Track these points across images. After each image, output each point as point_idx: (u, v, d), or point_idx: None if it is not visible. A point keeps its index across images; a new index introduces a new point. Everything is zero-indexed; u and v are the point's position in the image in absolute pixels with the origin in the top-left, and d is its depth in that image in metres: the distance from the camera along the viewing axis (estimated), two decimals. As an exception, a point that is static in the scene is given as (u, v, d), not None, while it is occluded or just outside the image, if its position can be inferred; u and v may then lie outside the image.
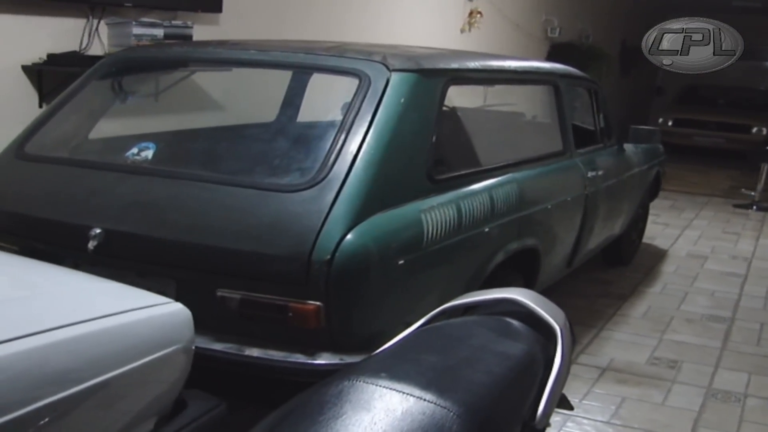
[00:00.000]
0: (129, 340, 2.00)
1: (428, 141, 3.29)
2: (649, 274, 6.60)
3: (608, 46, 14.02)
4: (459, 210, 3.30)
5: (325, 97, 4.08)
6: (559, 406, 1.89)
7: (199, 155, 3.73)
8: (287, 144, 3.57)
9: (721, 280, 6.57)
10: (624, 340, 4.97)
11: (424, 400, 1.46)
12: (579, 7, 13.49)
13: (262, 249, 2.82)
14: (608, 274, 6.39)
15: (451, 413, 1.44)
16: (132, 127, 4.00)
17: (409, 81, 3.24)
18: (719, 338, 5.13)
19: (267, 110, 4.58)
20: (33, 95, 4.30)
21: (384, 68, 3.22)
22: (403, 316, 2.88)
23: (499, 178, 3.75)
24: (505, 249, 3.68)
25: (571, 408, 2.15)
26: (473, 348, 1.79)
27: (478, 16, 9.32)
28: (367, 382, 1.51)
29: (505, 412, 1.64)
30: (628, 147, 6.03)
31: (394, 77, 3.20)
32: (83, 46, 4.52)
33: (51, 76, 4.30)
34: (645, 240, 7.27)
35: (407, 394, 1.47)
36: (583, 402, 4.02)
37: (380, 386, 1.49)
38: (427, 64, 3.44)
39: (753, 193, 10.13)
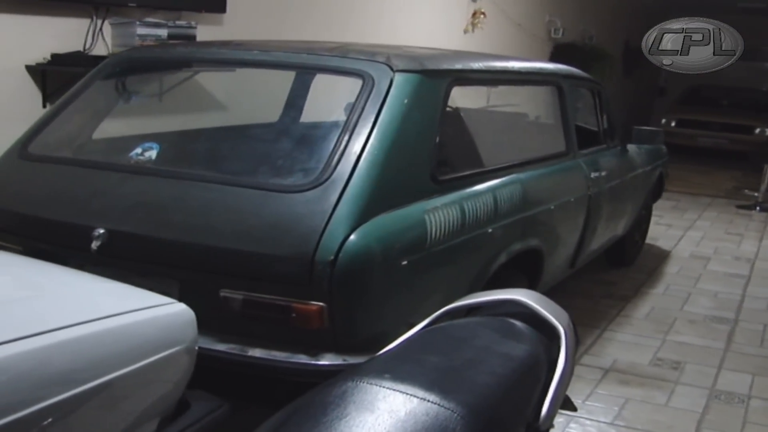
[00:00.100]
0: (132, 341, 2.00)
1: (432, 142, 3.29)
2: (652, 275, 6.59)
3: (611, 46, 14.01)
4: (462, 211, 3.30)
5: (329, 98, 4.08)
6: (562, 408, 1.89)
7: (203, 155, 3.73)
8: (290, 144, 3.57)
9: (724, 281, 6.56)
10: (627, 341, 4.96)
11: (428, 401, 1.46)
12: (582, 8, 13.48)
13: (266, 249, 2.82)
14: (611, 275, 6.39)
15: (455, 414, 1.44)
16: (136, 128, 4.00)
17: (412, 82, 3.24)
18: (722, 339, 5.13)
19: (270, 111, 4.58)
20: (37, 95, 4.30)
21: (388, 69, 3.22)
22: (406, 316, 2.88)
23: (503, 179, 3.75)
24: (509, 250, 3.68)
25: (574, 409, 2.15)
26: (477, 349, 1.78)
27: (482, 16, 9.32)
28: (370, 383, 1.51)
29: (509, 413, 1.64)
30: (631, 148, 6.02)
31: (398, 78, 3.20)
32: (87, 46, 4.52)
33: (55, 76, 4.30)
34: (648, 241, 7.26)
35: (411, 395, 1.47)
36: (586, 403, 4.02)
37: (384, 387, 1.49)
38: (431, 65, 3.44)
39: (756, 194, 10.12)
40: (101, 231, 3.00)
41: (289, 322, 2.81)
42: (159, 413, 2.10)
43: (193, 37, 4.89)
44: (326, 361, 2.81)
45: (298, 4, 6.33)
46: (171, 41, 4.72)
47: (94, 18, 4.54)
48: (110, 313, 2.01)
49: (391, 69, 3.22)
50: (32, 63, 4.27)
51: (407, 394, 1.47)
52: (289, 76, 4.45)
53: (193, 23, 4.94)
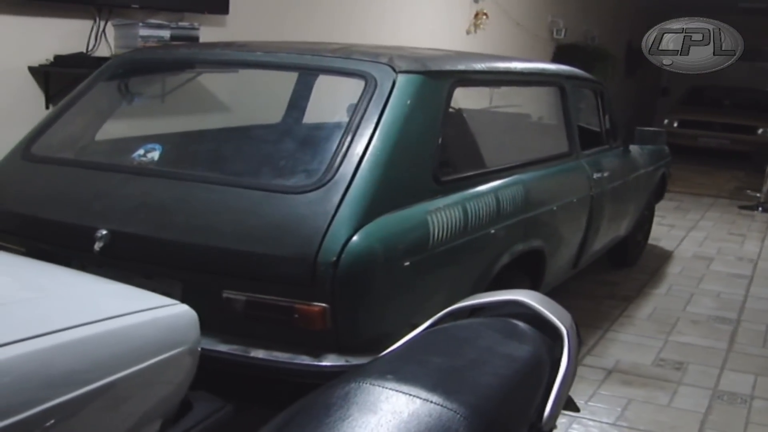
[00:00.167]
0: (135, 342, 2.00)
1: (434, 142, 3.29)
2: (654, 275, 6.59)
3: (614, 47, 14.00)
4: (465, 211, 3.30)
5: (332, 99, 4.08)
6: (565, 408, 1.89)
7: (206, 156, 3.73)
8: (293, 145, 3.57)
9: (727, 281, 6.56)
10: (630, 342, 4.96)
11: (431, 402, 1.46)
12: (584, 9, 13.48)
13: (268, 250, 2.82)
14: (614, 276, 6.38)
15: (458, 415, 1.44)
16: (138, 129, 4.00)
17: (415, 83, 3.24)
18: (725, 340, 5.12)
19: (273, 112, 4.58)
20: (40, 96, 4.30)
21: (390, 70, 3.22)
22: (409, 317, 2.88)
23: (505, 180, 3.75)
24: (511, 250, 3.68)
25: (577, 410, 2.14)
26: (480, 350, 1.78)
27: (484, 17, 9.32)
28: (373, 384, 1.51)
29: (512, 413, 1.63)
30: (634, 148, 6.03)
31: (401, 79, 3.20)
32: (90, 47, 4.52)
33: (58, 78, 4.31)
34: (650, 241, 7.26)
35: (414, 396, 1.47)
36: (589, 403, 4.02)
37: (387, 388, 1.49)
38: (434, 66, 3.44)
39: (758, 195, 10.12)
40: (104, 232, 3.00)
41: (291, 323, 2.81)
42: (162, 414, 2.10)
43: (196, 39, 4.90)
44: (329, 362, 2.81)
45: (300, 6, 6.33)
46: (174, 42, 4.72)
47: (97, 19, 4.55)
48: (113, 315, 2.01)
49: (394, 70, 3.22)
50: (35, 64, 4.28)
51: (410, 395, 1.47)
52: (291, 77, 4.45)
53: (195, 24, 4.94)
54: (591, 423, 3.82)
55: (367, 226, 2.84)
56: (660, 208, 7.62)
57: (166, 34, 4.70)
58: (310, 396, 1.54)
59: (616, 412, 3.95)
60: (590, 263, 5.36)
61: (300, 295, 2.79)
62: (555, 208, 4.16)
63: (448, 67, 3.62)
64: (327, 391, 1.51)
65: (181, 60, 4.09)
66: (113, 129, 3.90)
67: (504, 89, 4.98)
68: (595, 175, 4.80)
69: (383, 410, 1.43)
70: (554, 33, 12.00)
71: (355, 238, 2.79)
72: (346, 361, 2.80)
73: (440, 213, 3.15)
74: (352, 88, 3.23)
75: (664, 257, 7.23)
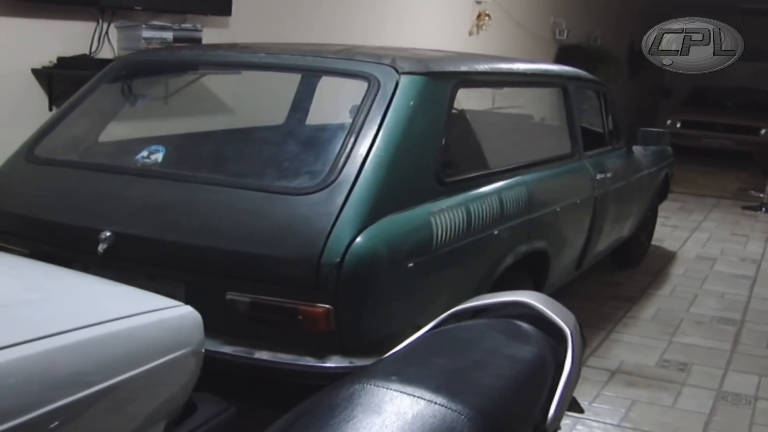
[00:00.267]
0: (138, 344, 2.00)
1: (437, 144, 3.29)
2: (658, 276, 6.58)
3: (616, 48, 14.01)
4: (468, 213, 3.30)
5: (334, 100, 4.09)
6: (569, 409, 1.89)
7: (209, 158, 3.73)
8: (296, 147, 3.57)
9: (731, 282, 6.55)
10: (633, 343, 4.96)
11: (435, 403, 1.46)
12: (587, 9, 13.48)
13: (272, 252, 2.82)
14: (617, 277, 6.38)
15: (462, 416, 1.44)
16: (142, 130, 4.00)
17: (418, 84, 3.24)
18: (729, 340, 5.12)
19: (276, 113, 4.58)
20: (43, 98, 4.31)
21: (393, 71, 3.22)
22: (413, 319, 2.88)
23: (508, 181, 3.75)
24: (515, 251, 3.68)
25: (581, 411, 2.15)
26: (484, 351, 1.78)
27: (486, 18, 9.32)
28: (377, 386, 1.51)
29: (516, 415, 1.63)
30: (637, 149, 6.02)
31: (404, 80, 3.20)
32: (93, 49, 4.53)
33: (61, 80, 4.31)
34: (654, 242, 7.26)
35: (418, 397, 1.47)
36: (593, 405, 4.01)
37: (391, 389, 1.49)
38: (436, 67, 3.44)
39: (762, 195, 10.11)
40: (108, 234, 3.00)
41: (295, 325, 2.81)
42: (166, 416, 2.10)
43: (199, 40, 4.90)
44: (333, 363, 2.81)
45: (302, 7, 6.34)
46: (176, 44, 4.72)
47: (100, 21, 4.55)
48: (117, 316, 2.01)
49: (397, 71, 3.22)
50: (38, 66, 4.28)
51: (414, 396, 1.47)
52: (294, 79, 4.45)
53: (198, 26, 4.95)
54: (595, 424, 3.82)
55: (370, 227, 2.84)
56: (663, 209, 7.62)
57: (169, 35, 4.70)
58: (314, 397, 1.54)
59: (620, 413, 3.95)
60: (594, 264, 5.36)
61: (304, 297, 2.78)
62: (558, 209, 4.16)
63: (451, 68, 3.62)
64: (331, 393, 1.51)
65: (184, 61, 4.09)
66: (116, 131, 3.90)
67: (507, 90, 4.97)
68: (598, 176, 4.80)
69: (387, 411, 1.44)
70: (557, 34, 12.00)
71: (358, 239, 2.79)
72: (350, 363, 2.80)
73: (444, 214, 3.15)
74: (355, 89, 3.23)
75: (667, 258, 7.22)
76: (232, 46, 4.01)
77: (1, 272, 2.41)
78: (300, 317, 2.78)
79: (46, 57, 4.31)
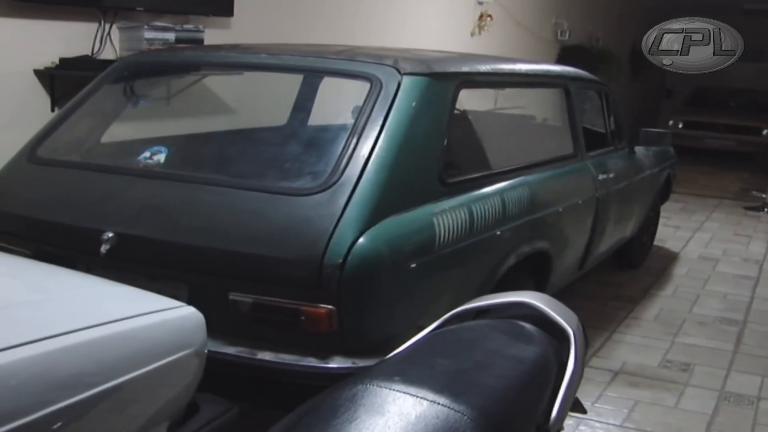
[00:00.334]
0: (141, 344, 2.00)
1: (440, 144, 3.29)
2: (660, 276, 6.58)
3: (618, 48, 13.99)
4: (471, 213, 3.30)
5: (337, 101, 4.09)
6: (572, 410, 1.89)
7: (211, 159, 3.73)
8: (299, 147, 3.58)
9: (733, 282, 6.54)
10: (636, 343, 4.95)
11: (438, 404, 1.46)
12: (589, 10, 13.47)
13: (274, 252, 2.82)
14: (619, 277, 6.37)
15: (465, 417, 1.44)
16: (144, 131, 4.01)
17: (420, 84, 3.24)
18: (732, 341, 5.11)
19: (278, 114, 4.59)
20: (45, 99, 4.31)
21: (395, 72, 3.22)
22: (415, 319, 2.88)
23: (511, 181, 3.75)
24: (517, 252, 3.68)
25: (584, 411, 2.14)
26: (486, 352, 1.78)
27: (488, 19, 9.31)
28: (380, 386, 1.51)
29: (519, 415, 1.63)
30: (639, 150, 6.02)
31: (406, 81, 3.20)
32: (95, 50, 4.53)
33: (63, 80, 4.31)
34: (656, 242, 7.25)
35: (421, 398, 1.47)
36: (596, 405, 4.01)
37: (394, 390, 1.49)
38: (439, 68, 3.44)
39: (764, 195, 10.09)
40: (110, 234, 3.00)
41: (298, 325, 2.81)
42: (168, 417, 2.11)
43: (201, 41, 4.90)
44: (335, 364, 2.81)
45: (304, 8, 6.34)
46: (179, 45, 4.72)
47: (102, 22, 4.55)
48: (119, 317, 2.01)
49: (399, 72, 3.22)
50: (41, 67, 4.28)
51: (417, 396, 1.47)
52: (297, 80, 4.46)
53: (200, 27, 4.95)
54: (598, 424, 3.82)
55: (373, 228, 2.84)
56: (665, 210, 7.61)
57: (170, 36, 4.70)
58: (317, 398, 1.54)
59: (622, 413, 3.95)
60: (596, 265, 5.35)
61: (306, 297, 2.79)
62: (560, 209, 4.16)
63: (453, 68, 3.62)
64: (334, 393, 1.51)
65: (186, 62, 4.10)
66: (119, 131, 3.90)
67: (509, 91, 4.97)
68: (601, 177, 4.80)
69: (390, 412, 1.44)
70: (558, 34, 12.00)
71: (361, 240, 2.79)
72: (353, 363, 2.80)
73: (446, 215, 3.15)
74: (357, 90, 3.23)
75: (669, 258, 7.22)
76: (234, 47, 4.01)
77: (3, 273, 2.41)
78: (302, 318, 2.79)
79: (49, 58, 4.31)
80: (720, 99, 16.04)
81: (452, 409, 1.45)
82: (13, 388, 1.65)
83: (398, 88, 3.17)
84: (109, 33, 4.59)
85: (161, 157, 3.39)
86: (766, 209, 9.88)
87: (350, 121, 3.19)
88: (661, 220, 7.37)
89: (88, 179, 3.37)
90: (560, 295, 3.50)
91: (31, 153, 3.51)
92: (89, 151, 3.79)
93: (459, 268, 3.29)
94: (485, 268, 3.48)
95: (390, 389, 1.49)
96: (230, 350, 2.88)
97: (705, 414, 4.01)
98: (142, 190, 3.20)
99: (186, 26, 4.89)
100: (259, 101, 4.63)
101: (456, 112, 3.61)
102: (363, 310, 2.83)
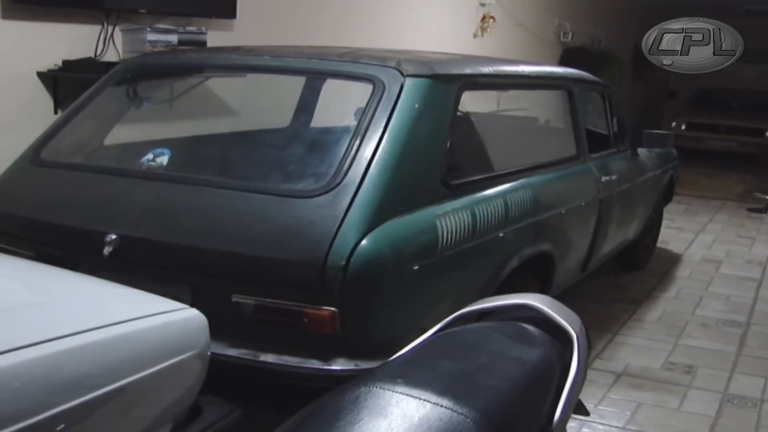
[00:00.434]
0: (144, 346, 2.00)
1: (443, 146, 3.29)
2: (663, 278, 6.58)
3: (621, 50, 13.99)
4: (474, 215, 3.30)
5: (339, 103, 4.09)
6: (575, 412, 1.89)
7: (214, 161, 3.73)
8: (302, 150, 3.57)
9: (736, 284, 6.54)
10: (639, 345, 4.95)
11: (441, 406, 1.46)
12: (591, 12, 13.47)
13: (277, 255, 2.82)
14: (622, 279, 6.37)
15: (468, 419, 1.44)
16: (147, 133, 4.01)
17: (423, 86, 3.24)
18: (735, 343, 5.11)
19: (281, 116, 4.59)
20: (48, 101, 4.31)
21: (398, 74, 3.22)
22: (418, 321, 2.88)
23: (514, 183, 3.75)
24: (520, 254, 3.67)
25: (587, 413, 2.14)
26: (489, 354, 1.78)
27: (491, 20, 9.31)
28: (383, 388, 1.51)
29: (522, 417, 1.63)
30: (642, 151, 6.02)
31: (409, 83, 3.20)
32: (98, 52, 4.53)
33: (66, 83, 4.31)
34: (659, 244, 7.25)
35: (424, 400, 1.47)
36: (599, 407, 4.01)
37: (397, 392, 1.49)
38: (441, 70, 3.44)
39: (767, 197, 10.09)
40: (113, 236, 3.00)
41: (300, 327, 2.81)
42: (171, 419, 2.10)
43: (204, 43, 4.91)
44: (338, 366, 2.81)
45: (307, 10, 6.34)
46: (181, 47, 4.73)
47: (105, 24, 4.56)
48: (122, 319, 2.01)
49: (402, 74, 3.22)
50: (44, 69, 4.29)
51: (420, 399, 1.47)
52: (299, 82, 4.45)
53: (203, 29, 4.96)
54: (601, 427, 3.81)
55: (376, 230, 2.84)
56: (668, 211, 7.61)
57: (173, 38, 4.71)
58: (320, 400, 1.54)
59: (625, 415, 3.94)
60: (599, 266, 5.35)
61: (309, 299, 2.79)
62: (563, 211, 4.16)
63: (456, 70, 3.62)
64: (337, 395, 1.51)
65: (188, 64, 4.10)
66: (122, 134, 3.91)
67: (511, 93, 4.98)
68: (603, 179, 4.79)
69: (393, 414, 1.44)
70: (561, 36, 12.00)
71: (364, 242, 2.79)
72: (356, 365, 2.80)
73: (449, 217, 3.15)
74: (360, 92, 3.23)
75: (672, 260, 7.21)
76: (237, 49, 4.02)
77: (6, 275, 2.41)
78: (305, 320, 2.79)
79: (52, 60, 4.32)
80: (723, 100, 16.04)
81: (455, 411, 1.45)
82: (17, 390, 1.65)
83: (401, 90, 3.17)
84: (112, 35, 4.60)
85: (164, 159, 3.39)
86: (769, 211, 9.88)
87: (353, 123, 3.19)
88: (664, 222, 7.36)
89: (91, 181, 3.37)
90: (563, 297, 3.50)
91: (34, 155, 3.51)
92: (92, 154, 3.79)
93: (462, 270, 3.29)
94: (488, 270, 3.48)
95: (393, 391, 1.49)
96: (233, 352, 2.88)
97: (708, 416, 4.01)
98: (145, 192, 3.20)
99: (189, 28, 4.89)
100: (261, 103, 4.63)
101: (459, 114, 3.61)
102: (366, 312, 2.83)
